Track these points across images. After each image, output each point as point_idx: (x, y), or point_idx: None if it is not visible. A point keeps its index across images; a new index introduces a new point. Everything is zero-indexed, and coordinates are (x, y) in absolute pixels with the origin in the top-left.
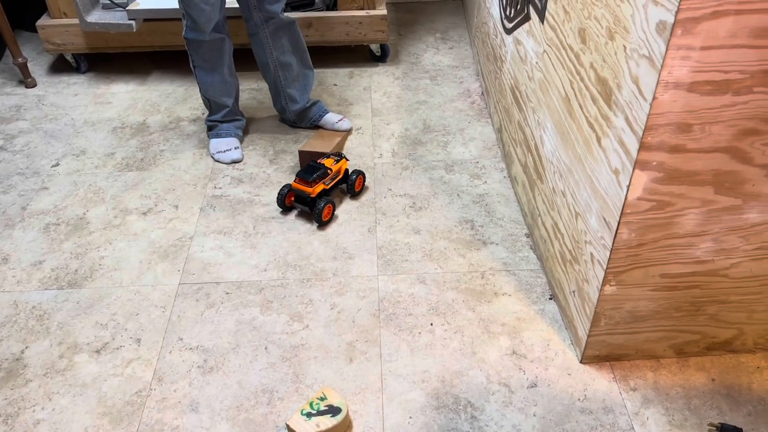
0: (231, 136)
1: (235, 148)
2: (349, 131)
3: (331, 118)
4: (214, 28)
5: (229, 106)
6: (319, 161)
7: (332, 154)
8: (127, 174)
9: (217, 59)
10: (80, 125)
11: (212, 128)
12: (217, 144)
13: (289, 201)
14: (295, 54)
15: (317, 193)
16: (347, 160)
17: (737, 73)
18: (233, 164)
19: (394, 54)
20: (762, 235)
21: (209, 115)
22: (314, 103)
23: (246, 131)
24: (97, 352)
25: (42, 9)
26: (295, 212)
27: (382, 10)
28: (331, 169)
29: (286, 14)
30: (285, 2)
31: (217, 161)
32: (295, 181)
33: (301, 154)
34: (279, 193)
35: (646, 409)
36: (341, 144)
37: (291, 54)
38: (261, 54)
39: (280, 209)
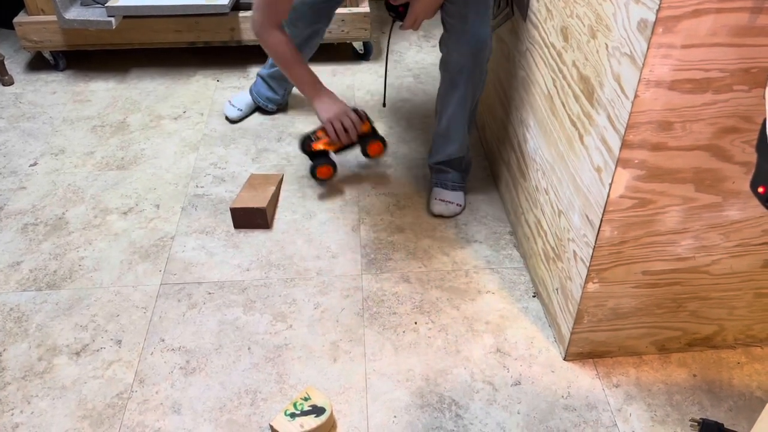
0: (251, 98)
1: (239, 109)
2: (281, 178)
3: None
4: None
5: (269, 69)
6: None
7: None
8: (107, 173)
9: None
10: (59, 124)
11: (254, 82)
12: (236, 96)
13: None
14: None
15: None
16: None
17: (717, 72)
18: (215, 165)
19: (377, 52)
20: (742, 232)
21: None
22: None
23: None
24: (77, 354)
25: (19, 5)
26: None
27: (364, 8)
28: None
29: None
30: None
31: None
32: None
33: (234, 212)
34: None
35: (629, 405)
36: (277, 192)
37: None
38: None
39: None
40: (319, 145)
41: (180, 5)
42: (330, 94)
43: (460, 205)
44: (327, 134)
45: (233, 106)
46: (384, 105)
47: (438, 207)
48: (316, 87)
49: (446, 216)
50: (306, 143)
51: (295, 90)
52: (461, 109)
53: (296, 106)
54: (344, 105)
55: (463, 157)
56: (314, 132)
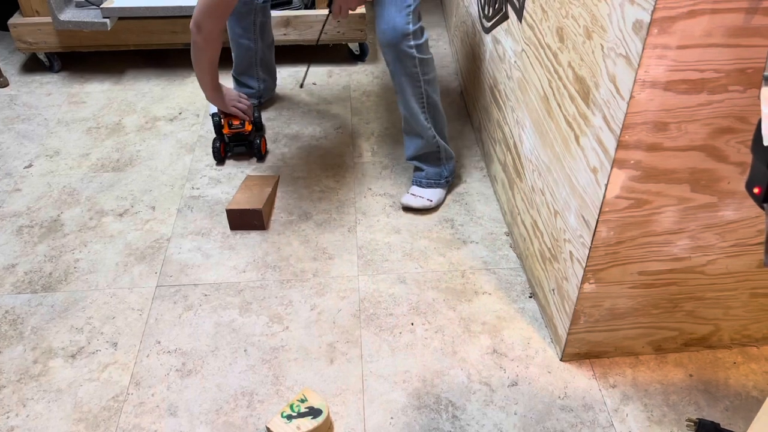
0: None
1: None
2: (277, 179)
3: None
4: None
5: (237, 69)
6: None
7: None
8: (102, 175)
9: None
10: (54, 125)
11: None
12: None
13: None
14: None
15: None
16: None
17: (713, 72)
18: (210, 166)
19: (373, 53)
20: (737, 232)
21: None
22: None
23: None
24: (73, 356)
25: (14, 7)
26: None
27: (360, 9)
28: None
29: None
30: None
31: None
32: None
33: (230, 213)
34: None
35: (626, 405)
36: (273, 194)
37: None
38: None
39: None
40: (248, 125)
41: (175, 6)
42: (223, 88)
43: (431, 201)
44: (237, 116)
45: None
46: (301, 86)
47: (405, 198)
48: (217, 89)
49: (414, 208)
50: (241, 133)
51: (290, 91)
52: (409, 100)
53: (292, 108)
54: (229, 89)
55: (437, 152)
56: (230, 125)
